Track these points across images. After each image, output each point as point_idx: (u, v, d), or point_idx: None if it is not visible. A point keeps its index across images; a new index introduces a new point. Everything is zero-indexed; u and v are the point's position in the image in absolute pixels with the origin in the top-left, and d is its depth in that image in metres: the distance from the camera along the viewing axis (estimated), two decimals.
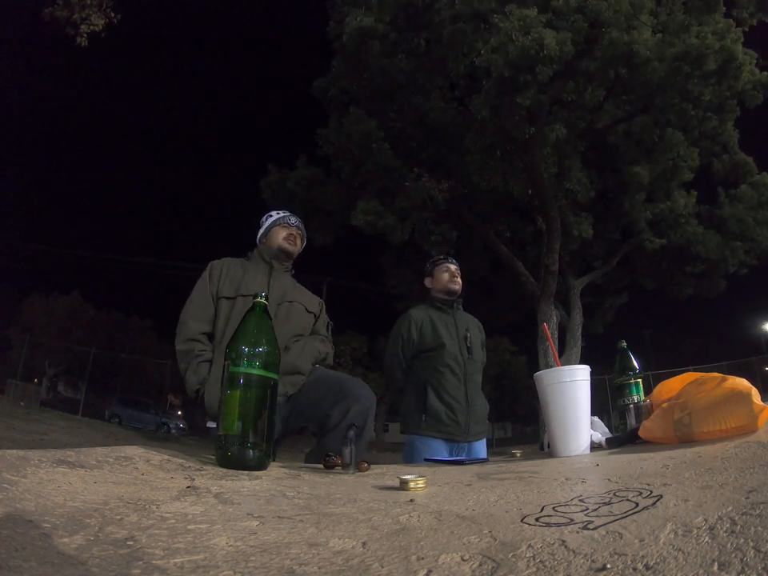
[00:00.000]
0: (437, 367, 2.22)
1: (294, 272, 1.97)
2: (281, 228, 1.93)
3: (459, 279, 2.41)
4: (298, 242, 1.95)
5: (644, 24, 8.05)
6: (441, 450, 2.16)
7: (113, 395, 20.69)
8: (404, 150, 11.05)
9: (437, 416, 2.16)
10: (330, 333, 1.99)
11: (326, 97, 11.36)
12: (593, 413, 1.12)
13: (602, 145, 11.12)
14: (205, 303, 1.73)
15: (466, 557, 0.36)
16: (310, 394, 1.65)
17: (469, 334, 2.33)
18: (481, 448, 2.27)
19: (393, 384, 2.41)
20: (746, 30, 8.90)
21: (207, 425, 1.74)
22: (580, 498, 0.52)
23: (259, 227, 2.00)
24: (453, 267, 2.42)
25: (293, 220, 1.96)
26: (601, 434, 1.19)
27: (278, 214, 1.99)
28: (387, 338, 2.51)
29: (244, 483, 0.73)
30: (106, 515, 0.47)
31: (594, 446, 1.13)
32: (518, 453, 1.28)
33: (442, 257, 2.51)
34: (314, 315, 1.91)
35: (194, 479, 0.72)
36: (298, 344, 1.76)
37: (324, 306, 2.00)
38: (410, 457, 2.18)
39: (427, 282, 2.47)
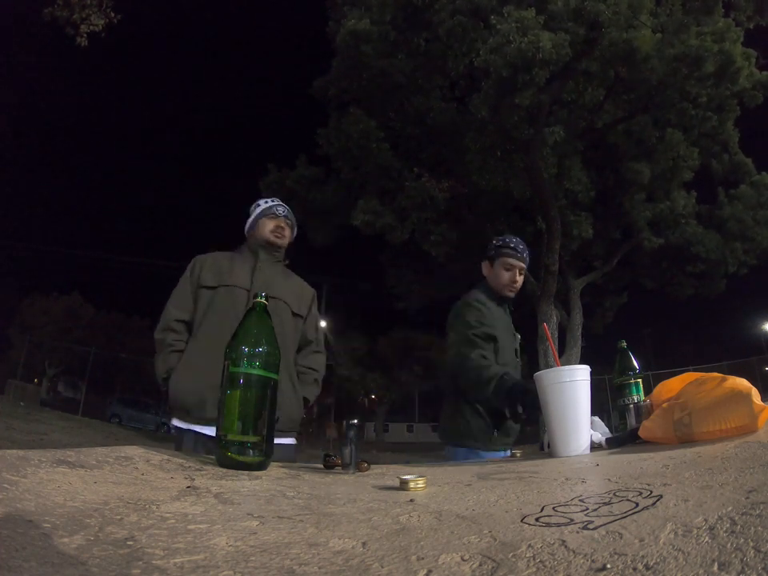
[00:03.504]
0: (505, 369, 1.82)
1: (287, 262, 1.90)
2: (268, 219, 1.85)
3: (519, 284, 1.95)
4: (287, 232, 1.87)
5: (643, 24, 8.06)
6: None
7: (113, 395, 20.69)
8: (404, 150, 11.05)
9: (506, 431, 1.84)
10: (319, 334, 1.91)
11: (326, 97, 11.35)
12: (593, 413, 1.12)
13: (602, 144, 11.13)
14: (183, 293, 1.73)
15: (466, 557, 0.36)
16: None
17: (518, 337, 2.04)
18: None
19: (484, 380, 1.65)
20: (745, 30, 8.91)
21: (172, 421, 1.65)
22: (580, 498, 0.52)
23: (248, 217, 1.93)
24: (517, 268, 1.93)
25: (280, 210, 1.88)
26: (601, 433, 1.19)
27: (265, 203, 1.91)
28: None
29: (244, 483, 0.73)
30: (106, 515, 0.47)
31: (594, 446, 1.13)
32: (518, 453, 1.28)
33: (512, 244, 1.94)
34: (302, 317, 1.83)
35: (194, 479, 0.72)
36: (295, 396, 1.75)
37: (315, 298, 1.93)
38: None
39: (485, 268, 2.00)
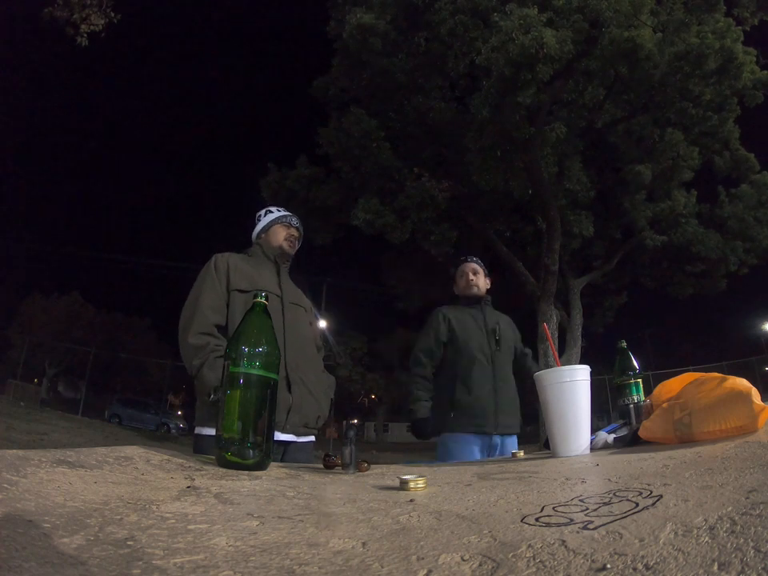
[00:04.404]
0: (464, 360, 2.23)
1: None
2: (282, 227, 1.89)
3: (478, 279, 2.38)
4: (296, 244, 1.93)
5: (644, 24, 8.05)
6: (472, 445, 2.14)
7: (113, 395, 20.71)
8: (404, 150, 11.05)
9: (464, 410, 2.16)
10: (323, 341, 1.99)
11: (326, 96, 11.36)
12: (593, 413, 1.12)
13: (602, 144, 11.13)
14: (217, 294, 1.62)
15: (466, 557, 0.36)
16: None
17: (498, 327, 2.31)
18: (512, 444, 2.23)
19: (415, 368, 2.31)
20: (747, 29, 8.90)
21: (196, 430, 1.59)
22: (580, 498, 0.52)
23: (256, 222, 1.96)
24: (468, 269, 2.40)
25: (294, 221, 1.93)
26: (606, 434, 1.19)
27: (278, 211, 1.95)
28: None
29: (244, 483, 0.73)
30: (106, 515, 0.47)
31: (605, 446, 1.14)
32: (519, 453, 1.27)
33: (462, 258, 2.47)
34: (312, 325, 1.90)
35: (194, 479, 0.72)
36: (326, 394, 1.77)
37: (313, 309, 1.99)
38: (442, 456, 2.17)
39: (455, 288, 2.47)
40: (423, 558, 0.36)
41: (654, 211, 11.62)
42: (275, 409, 0.94)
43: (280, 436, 1.57)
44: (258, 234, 1.93)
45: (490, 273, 2.54)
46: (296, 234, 1.91)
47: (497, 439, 2.18)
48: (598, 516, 0.43)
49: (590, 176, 10.93)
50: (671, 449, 0.87)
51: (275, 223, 1.90)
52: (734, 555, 0.31)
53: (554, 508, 0.49)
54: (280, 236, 1.87)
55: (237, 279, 1.66)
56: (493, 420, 2.16)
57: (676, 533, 0.36)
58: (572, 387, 1.09)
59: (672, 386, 1.10)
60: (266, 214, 1.95)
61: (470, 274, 2.39)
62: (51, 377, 26.26)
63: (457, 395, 2.17)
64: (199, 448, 1.53)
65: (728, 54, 7.81)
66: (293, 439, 1.63)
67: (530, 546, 0.37)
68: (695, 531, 0.36)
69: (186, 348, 1.52)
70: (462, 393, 2.17)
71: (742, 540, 0.33)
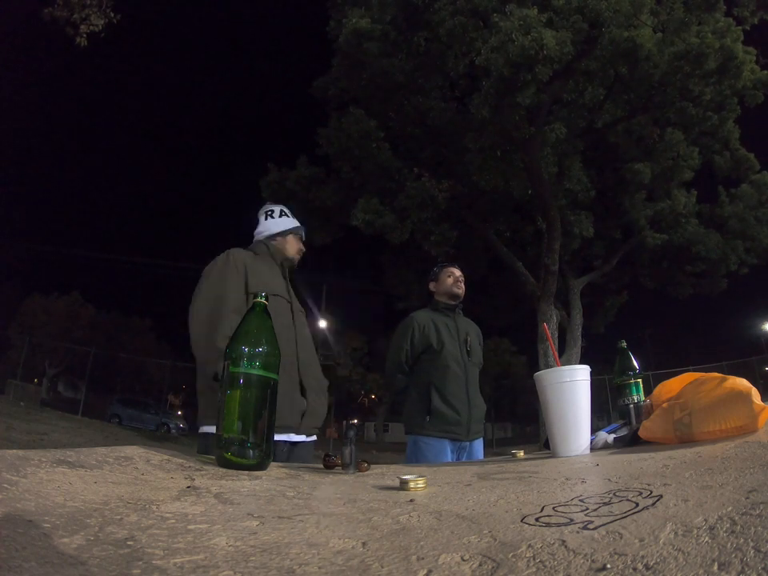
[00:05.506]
0: (439, 368, 2.29)
1: None
2: (296, 239, 1.93)
3: (463, 285, 2.48)
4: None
5: (644, 23, 8.05)
6: (444, 449, 2.22)
7: (113, 395, 20.70)
8: (404, 150, 11.05)
9: (441, 417, 2.23)
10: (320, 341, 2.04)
11: (326, 97, 11.36)
12: (593, 413, 1.12)
13: (602, 144, 11.13)
14: (239, 297, 1.59)
15: (466, 557, 0.36)
16: None
17: (469, 338, 2.41)
18: (479, 447, 2.35)
19: (392, 385, 2.47)
20: (747, 28, 8.90)
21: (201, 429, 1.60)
22: (580, 498, 0.52)
23: (264, 218, 1.94)
24: (458, 273, 2.50)
25: (304, 233, 1.98)
26: (606, 434, 1.19)
27: (293, 220, 1.96)
28: (387, 338, 2.55)
29: (244, 483, 0.73)
30: (106, 515, 0.47)
31: (605, 446, 1.14)
32: (519, 453, 1.27)
33: (447, 263, 2.59)
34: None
35: (194, 479, 0.72)
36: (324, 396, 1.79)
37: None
38: (413, 457, 2.24)
39: (432, 285, 2.54)
40: (423, 558, 0.36)
41: (654, 211, 11.63)
42: (275, 409, 0.94)
43: (293, 437, 1.61)
44: (273, 236, 1.89)
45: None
46: (303, 248, 1.98)
47: (466, 444, 2.28)
48: (597, 516, 0.43)
49: (590, 176, 10.93)
50: (671, 449, 0.87)
51: (292, 233, 1.93)
52: (733, 555, 0.31)
53: (554, 508, 0.49)
54: (294, 248, 1.91)
55: (254, 282, 1.64)
56: (466, 428, 2.25)
57: (676, 533, 0.36)
58: (572, 387, 1.09)
59: (672, 386, 1.10)
60: (280, 215, 1.94)
61: (459, 277, 2.48)
62: (51, 377, 26.26)
63: (434, 403, 2.23)
64: (203, 447, 1.53)
65: (728, 53, 7.81)
66: (303, 439, 1.68)
67: (529, 545, 0.37)
68: (695, 531, 0.36)
69: (212, 351, 1.48)
70: (438, 401, 2.23)
71: (741, 540, 0.33)
